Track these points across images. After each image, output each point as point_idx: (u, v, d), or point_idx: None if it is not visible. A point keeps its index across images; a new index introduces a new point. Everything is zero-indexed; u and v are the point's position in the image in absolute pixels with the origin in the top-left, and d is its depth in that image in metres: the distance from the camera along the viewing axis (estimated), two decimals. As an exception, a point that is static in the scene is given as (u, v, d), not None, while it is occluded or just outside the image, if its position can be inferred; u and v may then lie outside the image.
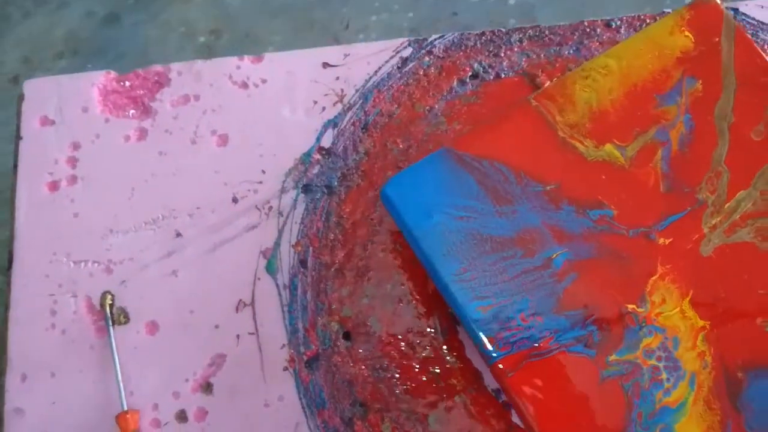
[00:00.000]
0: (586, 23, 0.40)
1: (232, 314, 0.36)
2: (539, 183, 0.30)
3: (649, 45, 0.31)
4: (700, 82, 0.31)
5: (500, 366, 0.28)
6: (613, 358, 0.28)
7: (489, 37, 0.40)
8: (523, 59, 0.40)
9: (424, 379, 0.35)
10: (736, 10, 0.40)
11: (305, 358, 0.36)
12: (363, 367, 0.35)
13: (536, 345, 0.28)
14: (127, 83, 0.40)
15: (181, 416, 0.35)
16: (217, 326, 0.36)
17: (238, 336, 0.36)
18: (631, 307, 0.28)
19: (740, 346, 0.28)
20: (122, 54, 0.96)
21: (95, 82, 0.40)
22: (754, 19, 0.39)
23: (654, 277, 0.29)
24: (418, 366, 0.35)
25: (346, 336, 0.36)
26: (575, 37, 0.40)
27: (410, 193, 0.30)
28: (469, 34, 0.40)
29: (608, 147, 0.30)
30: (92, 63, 0.95)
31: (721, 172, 0.30)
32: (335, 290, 0.36)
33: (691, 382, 0.27)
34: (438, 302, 0.36)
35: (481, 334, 0.28)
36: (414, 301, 0.35)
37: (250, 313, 0.36)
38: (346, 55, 0.40)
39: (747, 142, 0.30)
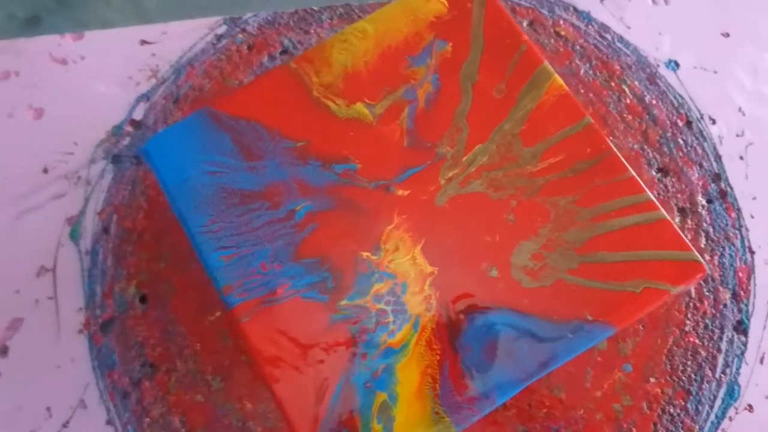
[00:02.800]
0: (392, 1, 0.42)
1: (33, 279, 0.37)
2: (290, 140, 0.31)
3: (405, 11, 0.33)
4: (450, 44, 0.32)
5: (237, 312, 0.29)
6: (344, 303, 0.29)
7: (301, 15, 0.42)
8: (331, 35, 0.41)
9: (214, 340, 0.36)
10: (535, -12, 0.41)
11: (100, 321, 0.36)
12: (155, 329, 0.36)
13: (273, 291, 0.29)
14: (-47, 61, 0.42)
15: (-26, 379, 0.36)
16: (17, 291, 0.37)
17: (37, 300, 0.37)
18: (365, 254, 0.29)
19: (464, 290, 0.29)
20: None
21: None
22: (552, -4, 0.41)
23: (390, 227, 0.30)
24: (208, 327, 0.36)
25: (142, 299, 0.37)
26: (383, 14, 0.41)
27: (168, 151, 0.31)
28: (282, 12, 0.42)
29: (358, 105, 0.31)
30: None
31: (462, 127, 0.31)
32: (134, 255, 0.37)
33: (415, 325, 0.28)
34: (230, 265, 0.37)
35: (221, 282, 0.29)
36: (203, 264, 0.36)
37: (50, 278, 0.37)
38: (163, 33, 0.42)
39: (488, 100, 0.31)
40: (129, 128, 0.40)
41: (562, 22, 0.40)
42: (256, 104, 0.32)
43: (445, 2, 0.33)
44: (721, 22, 0.40)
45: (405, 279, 0.29)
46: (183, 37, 0.41)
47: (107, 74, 0.41)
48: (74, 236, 0.38)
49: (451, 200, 0.30)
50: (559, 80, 0.31)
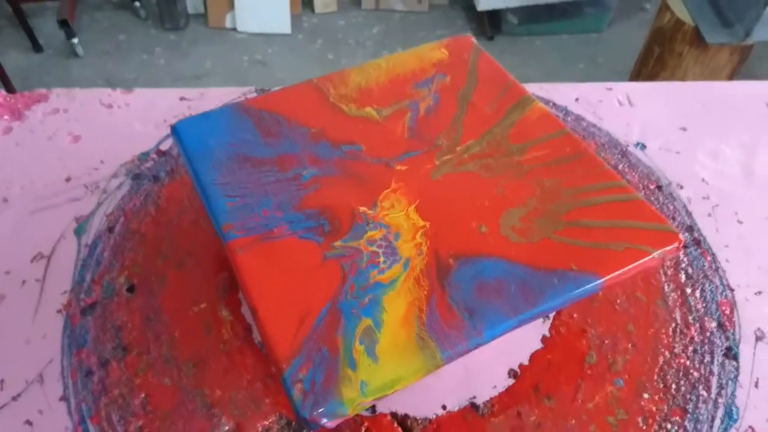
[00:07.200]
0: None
1: (26, 264, 0.38)
2: (306, 127, 0.35)
3: (414, 56, 0.40)
4: (449, 77, 0.38)
5: (232, 245, 0.29)
6: (338, 244, 0.30)
7: (322, 93, 0.49)
8: (346, 107, 0.48)
9: (195, 329, 0.35)
10: (520, 89, 0.49)
11: (83, 304, 0.36)
12: (137, 315, 0.35)
13: (270, 231, 0.30)
14: (12, 99, 0.48)
15: (-65, 346, 0.34)
16: (8, 272, 0.37)
17: (24, 281, 0.37)
18: (362, 209, 0.31)
19: (454, 241, 0.30)
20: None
21: (-16, 93, 0.47)
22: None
23: (387, 190, 0.32)
24: (191, 317, 0.35)
25: (131, 289, 0.37)
26: (391, 97, 0.48)
27: (195, 129, 0.35)
28: (306, 89, 0.49)
29: (368, 108, 0.36)
30: None
31: (457, 128, 0.35)
32: (133, 251, 0.38)
33: (405, 265, 0.29)
34: (223, 265, 0.37)
35: (221, 221, 0.30)
36: (202, 265, 0.37)
37: (44, 264, 0.38)
38: (201, 94, 0.48)
39: (481, 112, 0.36)
40: (155, 156, 0.44)
41: (543, 112, 0.47)
42: (280, 103, 0.37)
43: (447, 52, 0.40)
44: (678, 120, 0.47)
45: (398, 230, 0.30)
46: (218, 99, 0.48)
47: (145, 118, 0.46)
48: (79, 231, 0.39)
49: (445, 176, 0.33)
50: (541, 104, 0.36)
